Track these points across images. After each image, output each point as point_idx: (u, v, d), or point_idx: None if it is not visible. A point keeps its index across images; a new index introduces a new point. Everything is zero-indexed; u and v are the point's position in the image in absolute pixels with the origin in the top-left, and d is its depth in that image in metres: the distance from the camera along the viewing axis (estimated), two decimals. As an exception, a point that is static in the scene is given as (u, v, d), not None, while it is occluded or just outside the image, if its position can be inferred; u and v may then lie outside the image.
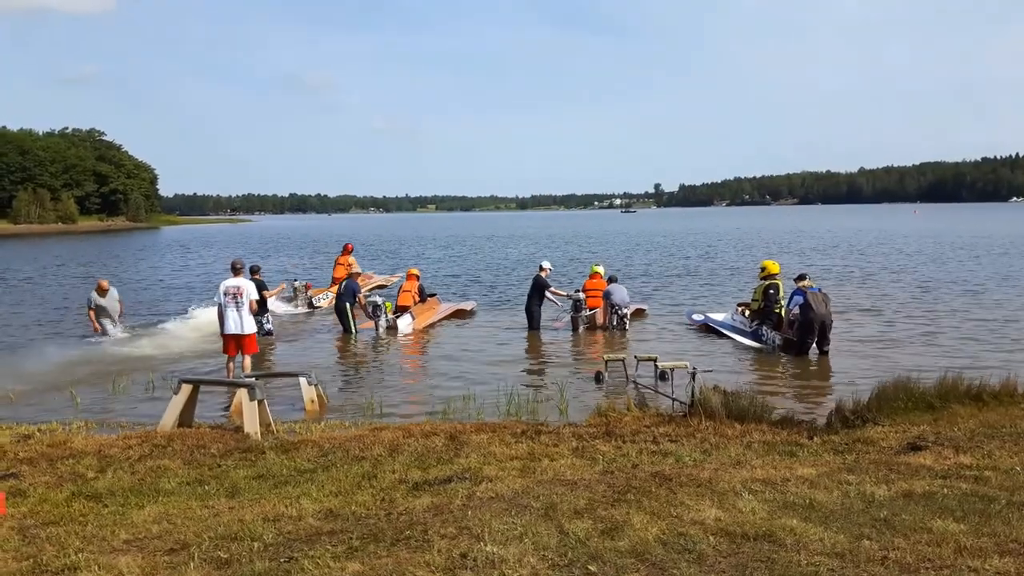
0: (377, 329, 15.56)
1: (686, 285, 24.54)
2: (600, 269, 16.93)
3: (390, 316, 15.96)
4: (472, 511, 4.77)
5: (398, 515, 4.84)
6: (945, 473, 5.40)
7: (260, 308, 14.06)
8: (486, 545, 4.11)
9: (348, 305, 15.59)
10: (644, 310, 17.75)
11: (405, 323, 15.79)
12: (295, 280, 21.59)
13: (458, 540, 4.24)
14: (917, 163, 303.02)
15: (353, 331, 15.46)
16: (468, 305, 18.96)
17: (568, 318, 15.77)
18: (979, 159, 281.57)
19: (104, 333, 14.97)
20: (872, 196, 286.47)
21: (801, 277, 13.04)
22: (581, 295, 15.92)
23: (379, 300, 16.07)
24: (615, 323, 15.08)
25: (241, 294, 10.61)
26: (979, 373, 9.01)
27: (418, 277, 17.79)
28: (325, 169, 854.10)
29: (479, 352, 13.48)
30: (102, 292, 15.18)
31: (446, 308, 18.00)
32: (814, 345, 12.37)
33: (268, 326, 15.26)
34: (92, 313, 15.02)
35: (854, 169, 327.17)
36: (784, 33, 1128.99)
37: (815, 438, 6.85)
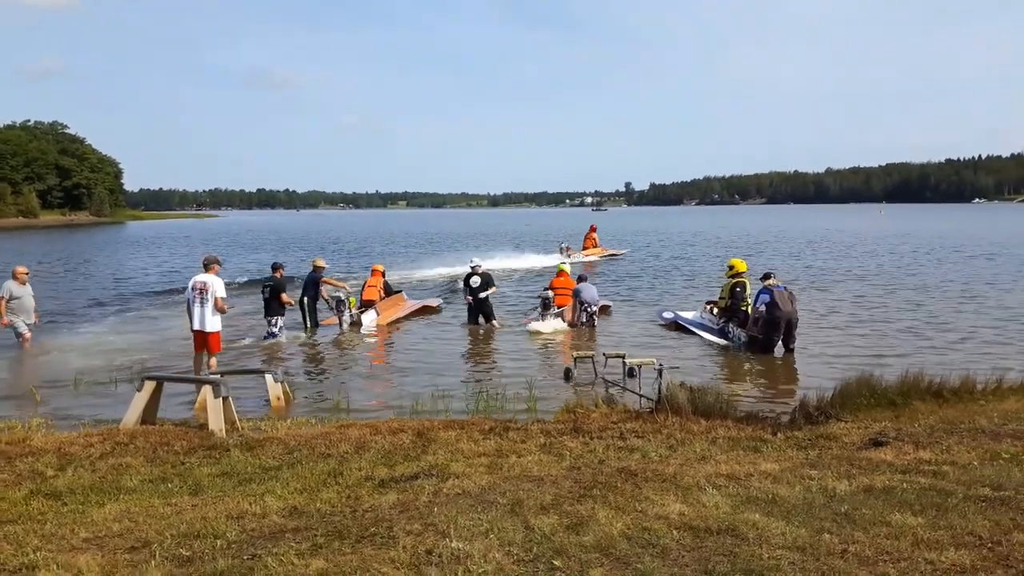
0: (341, 325, 15.44)
1: (661, 283, 24.72)
2: (567, 268, 17.14)
3: (354, 311, 15.82)
4: (438, 507, 4.75)
5: (364, 512, 4.81)
6: (905, 468, 5.49)
7: (276, 310, 14.00)
8: (452, 541, 4.10)
9: (308, 299, 15.34)
10: (609, 307, 17.86)
11: (369, 319, 15.68)
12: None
13: (424, 536, 4.23)
14: (883, 164, 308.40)
15: (309, 326, 15.25)
16: (434, 302, 18.83)
17: (538, 315, 15.80)
18: (943, 160, 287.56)
19: (17, 333, 12.94)
20: (839, 196, 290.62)
21: (767, 276, 13.19)
22: (549, 293, 15.96)
23: (343, 295, 15.86)
24: (584, 320, 15.19)
25: (206, 290, 10.47)
26: (941, 371, 9.19)
27: (383, 273, 17.68)
28: (294, 164, 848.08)
29: (447, 349, 13.46)
30: (20, 282, 13.03)
31: (412, 305, 17.89)
32: (780, 343, 12.52)
33: (274, 330, 14.06)
34: (3, 304, 12.80)
35: (821, 169, 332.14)
36: (753, 34, 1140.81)
37: (779, 434, 6.93)
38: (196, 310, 10.49)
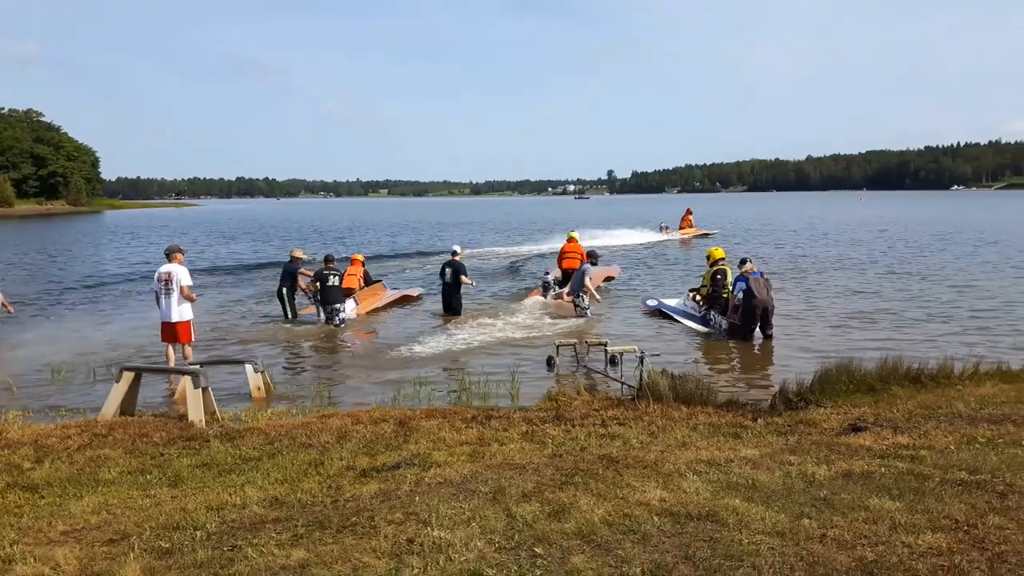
0: (319, 314, 15.37)
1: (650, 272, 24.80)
2: (576, 235, 18.72)
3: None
4: (420, 497, 4.75)
5: (345, 502, 4.80)
6: (883, 453, 5.54)
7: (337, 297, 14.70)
8: (433, 530, 4.10)
9: (286, 289, 15.40)
10: (613, 277, 18.40)
11: (349, 308, 15.59)
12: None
13: (405, 526, 4.22)
14: (863, 151, 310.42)
15: (290, 315, 15.33)
16: (415, 292, 18.69)
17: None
18: (922, 148, 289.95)
19: None
20: (819, 183, 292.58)
21: (743, 262, 13.27)
22: (550, 277, 16.84)
23: None
24: (578, 299, 14.92)
25: (171, 280, 10.32)
26: (920, 356, 9.29)
27: (363, 262, 17.57)
28: (274, 153, 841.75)
29: (428, 338, 13.42)
30: None
31: (392, 294, 17.77)
32: (759, 330, 12.60)
33: (341, 317, 14.61)
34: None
35: (802, 157, 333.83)
36: (736, 23, 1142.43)
37: (759, 420, 6.98)
38: (163, 301, 10.37)
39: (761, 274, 13.04)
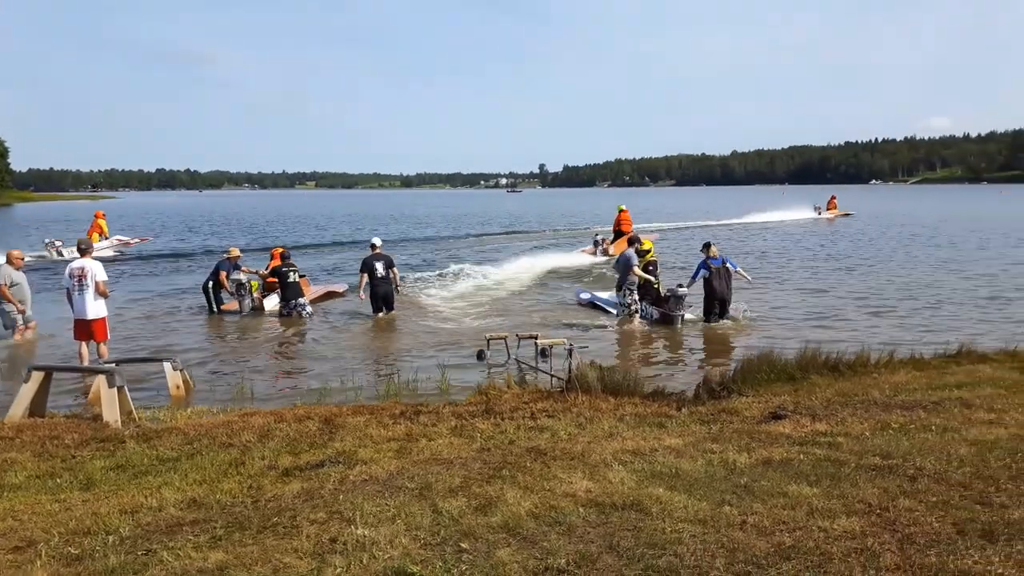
0: (241, 310, 15.02)
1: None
2: (625, 207, 25.39)
3: (255, 296, 15.40)
4: (344, 495, 4.67)
5: (266, 502, 4.68)
6: (802, 440, 5.70)
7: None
8: (357, 528, 4.03)
9: (212, 284, 15.15)
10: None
11: (272, 303, 15.27)
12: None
13: (328, 525, 4.14)
14: (786, 147, 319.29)
15: (215, 309, 15.11)
16: (339, 287, 18.34)
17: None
18: (843, 143, 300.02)
19: (11, 321, 12.26)
20: (744, 178, 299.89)
21: (707, 246, 13.62)
22: (599, 236, 25.51)
23: (244, 279, 15.36)
24: (621, 298, 14.13)
25: (85, 276, 9.89)
26: (839, 346, 9.59)
27: (286, 256, 17.23)
28: (196, 143, 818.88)
29: (355, 334, 13.23)
30: (15, 267, 12.42)
31: (316, 290, 17.38)
32: (715, 312, 13.30)
33: (308, 311, 14.80)
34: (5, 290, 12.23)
35: (727, 152, 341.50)
36: (665, 20, 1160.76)
37: (683, 409, 7.09)
38: (76, 298, 9.94)
39: (723, 261, 13.36)
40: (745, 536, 3.80)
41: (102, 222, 30.54)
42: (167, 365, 8.88)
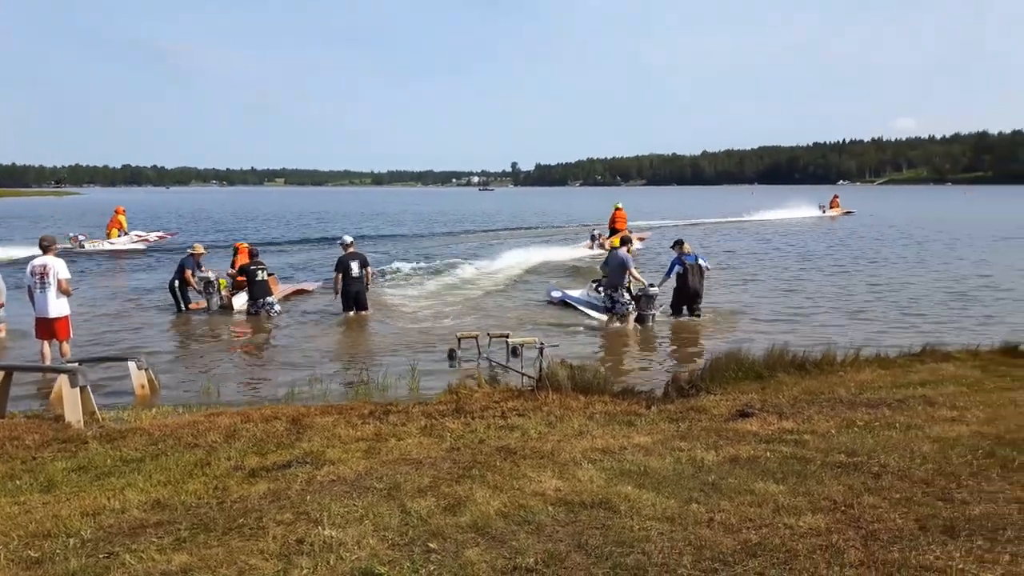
0: (209, 308, 14.83)
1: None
2: (621, 204, 26.05)
3: (223, 294, 15.22)
4: (311, 495, 4.62)
5: (232, 503, 4.62)
6: (769, 438, 5.75)
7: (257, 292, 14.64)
8: (324, 529, 4.00)
9: (179, 282, 14.95)
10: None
11: (240, 302, 15.08)
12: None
13: (295, 526, 4.10)
14: (756, 147, 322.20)
15: (183, 308, 14.92)
16: (310, 285, 18.18)
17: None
18: (811, 144, 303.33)
19: None
20: (714, 178, 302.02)
21: (679, 243, 13.71)
22: (596, 231, 26.63)
23: (212, 276, 15.21)
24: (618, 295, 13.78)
25: (47, 273, 9.67)
26: (807, 345, 9.71)
27: (253, 253, 17.05)
28: (163, 139, 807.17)
29: (324, 333, 13.12)
30: None
31: (285, 288, 17.19)
32: (687, 310, 13.54)
33: (276, 309, 14.75)
34: None
35: (697, 152, 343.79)
36: (638, 20, 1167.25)
37: (652, 407, 7.12)
38: (38, 295, 9.72)
39: (696, 258, 13.48)
40: (712, 534, 3.83)
41: (122, 218, 30.69)
42: (132, 364, 8.74)
